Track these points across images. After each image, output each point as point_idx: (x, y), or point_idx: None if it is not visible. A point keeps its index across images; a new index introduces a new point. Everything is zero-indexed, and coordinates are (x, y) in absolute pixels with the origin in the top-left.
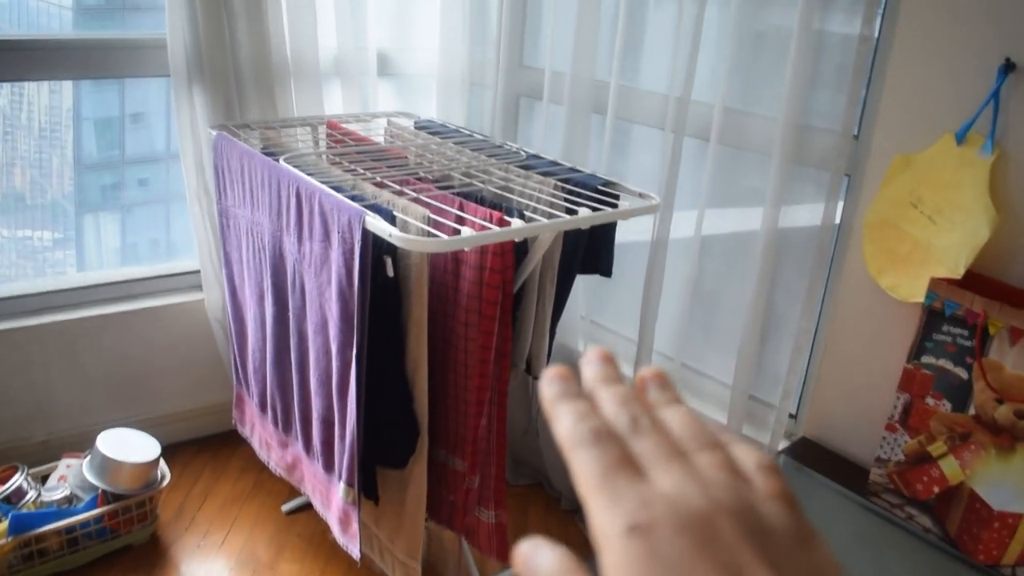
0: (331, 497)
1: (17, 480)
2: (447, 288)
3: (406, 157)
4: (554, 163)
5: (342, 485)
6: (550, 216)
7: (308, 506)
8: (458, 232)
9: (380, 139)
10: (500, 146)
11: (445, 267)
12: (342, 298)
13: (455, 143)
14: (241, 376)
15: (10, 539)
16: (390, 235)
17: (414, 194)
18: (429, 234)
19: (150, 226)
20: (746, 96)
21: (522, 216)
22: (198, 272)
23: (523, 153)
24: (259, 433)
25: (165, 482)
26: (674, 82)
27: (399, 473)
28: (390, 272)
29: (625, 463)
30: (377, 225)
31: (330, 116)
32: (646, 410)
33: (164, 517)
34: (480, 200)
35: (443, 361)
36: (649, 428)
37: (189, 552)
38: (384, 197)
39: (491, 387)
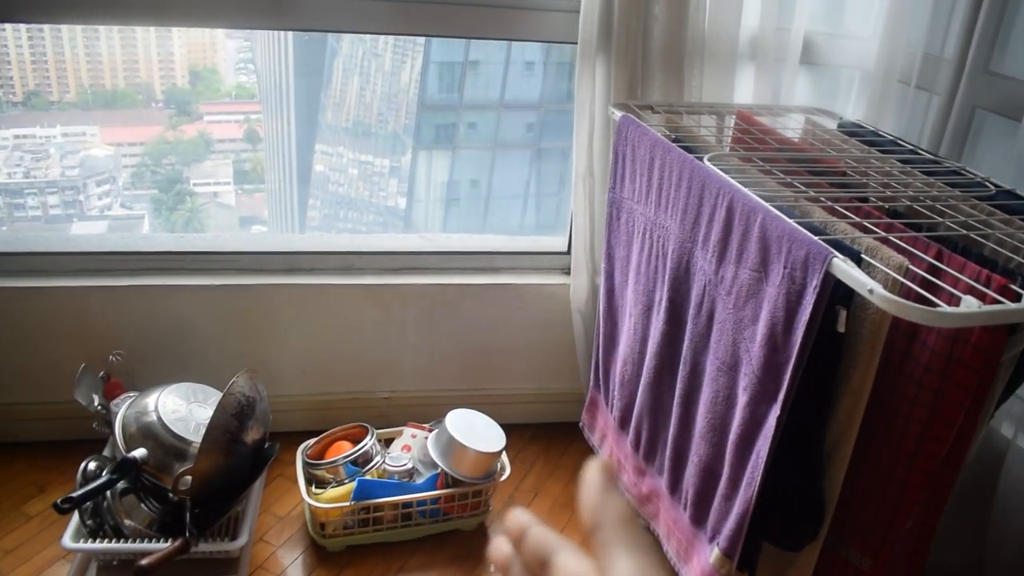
0: (693, 554)
1: (366, 444)
2: (894, 351)
3: (844, 172)
4: None
5: (716, 551)
6: None
7: None
8: (946, 298)
9: (797, 140)
10: (958, 172)
11: (896, 323)
12: (771, 344)
13: (898, 159)
14: (601, 382)
15: (353, 502)
16: (870, 291)
17: (880, 232)
18: (904, 291)
19: (473, 168)
20: None
21: None
22: (567, 254)
23: (990, 186)
24: (611, 449)
25: (504, 475)
26: None
27: (782, 552)
28: (841, 328)
29: None
30: (850, 273)
31: (740, 106)
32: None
33: (494, 507)
34: (961, 249)
35: (869, 438)
36: None
37: None
38: (840, 229)
39: (931, 487)
